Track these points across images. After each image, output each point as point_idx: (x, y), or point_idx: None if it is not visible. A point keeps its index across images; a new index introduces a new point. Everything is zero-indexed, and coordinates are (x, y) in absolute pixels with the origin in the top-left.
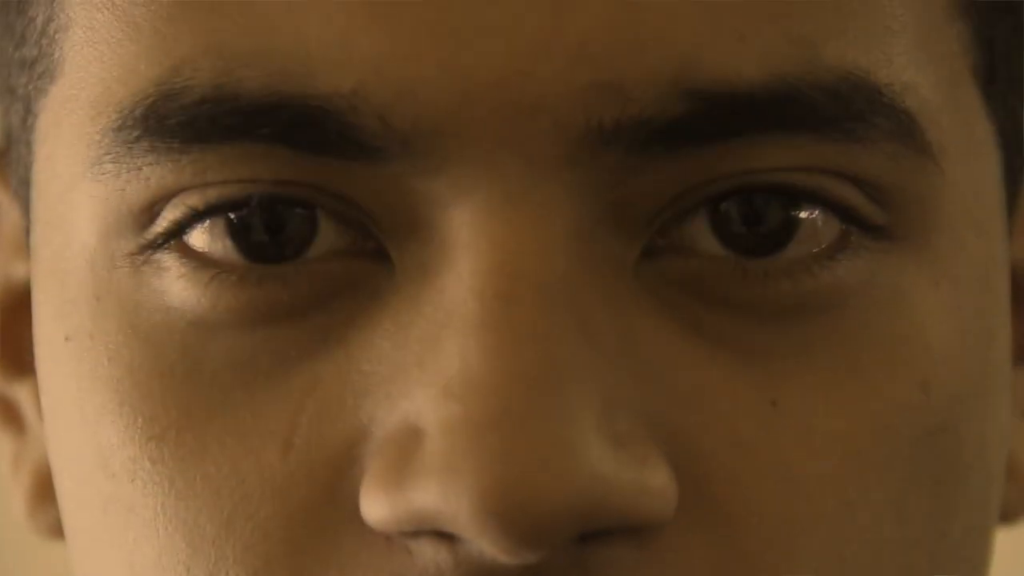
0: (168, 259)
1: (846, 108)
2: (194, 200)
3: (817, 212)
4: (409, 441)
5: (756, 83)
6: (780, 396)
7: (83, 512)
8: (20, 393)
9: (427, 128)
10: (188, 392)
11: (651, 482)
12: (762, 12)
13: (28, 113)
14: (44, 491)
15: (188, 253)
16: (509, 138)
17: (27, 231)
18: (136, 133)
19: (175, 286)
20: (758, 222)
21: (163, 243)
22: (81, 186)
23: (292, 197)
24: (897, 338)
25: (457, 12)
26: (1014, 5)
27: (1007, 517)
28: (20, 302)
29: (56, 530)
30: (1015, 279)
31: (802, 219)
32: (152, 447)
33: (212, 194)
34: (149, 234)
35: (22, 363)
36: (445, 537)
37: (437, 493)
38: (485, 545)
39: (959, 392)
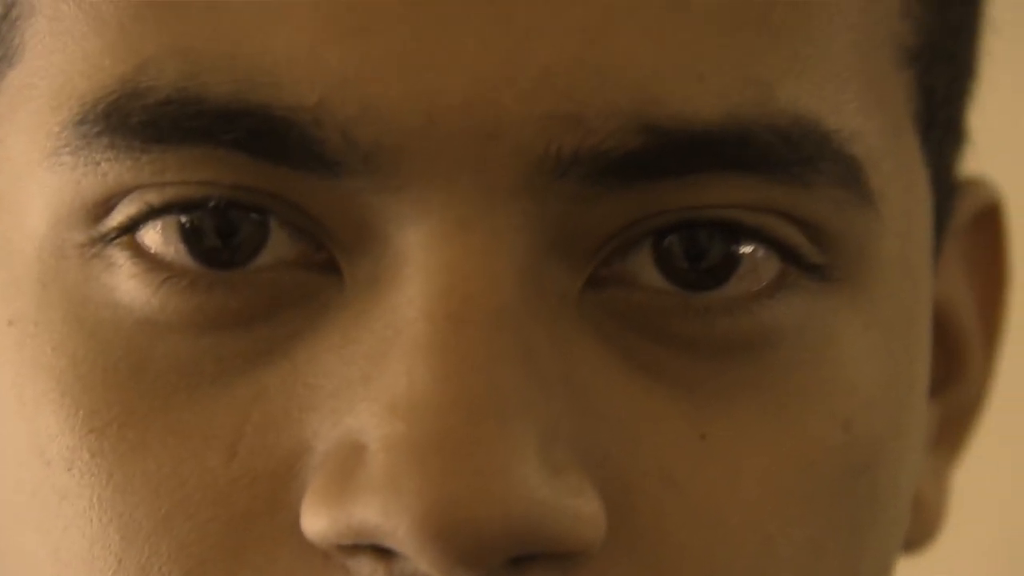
0: (120, 256)
1: (796, 152)
2: (151, 196)
3: (758, 249)
4: (351, 457)
5: (713, 123)
6: (709, 431)
7: (10, 494)
8: None
9: (389, 146)
10: (132, 390)
11: (584, 510)
12: (721, 52)
13: None
14: None
15: (140, 253)
16: (469, 162)
17: None
18: (97, 128)
19: (126, 284)
20: (700, 257)
21: (115, 237)
22: (35, 174)
23: (247, 203)
24: (825, 379)
25: (426, 35)
26: (954, 55)
27: (908, 548)
28: None
29: None
30: (935, 316)
31: (743, 255)
32: (92, 439)
33: (170, 192)
34: (103, 227)
35: None
36: (382, 554)
37: (378, 509)
38: (422, 563)
39: (880, 434)
